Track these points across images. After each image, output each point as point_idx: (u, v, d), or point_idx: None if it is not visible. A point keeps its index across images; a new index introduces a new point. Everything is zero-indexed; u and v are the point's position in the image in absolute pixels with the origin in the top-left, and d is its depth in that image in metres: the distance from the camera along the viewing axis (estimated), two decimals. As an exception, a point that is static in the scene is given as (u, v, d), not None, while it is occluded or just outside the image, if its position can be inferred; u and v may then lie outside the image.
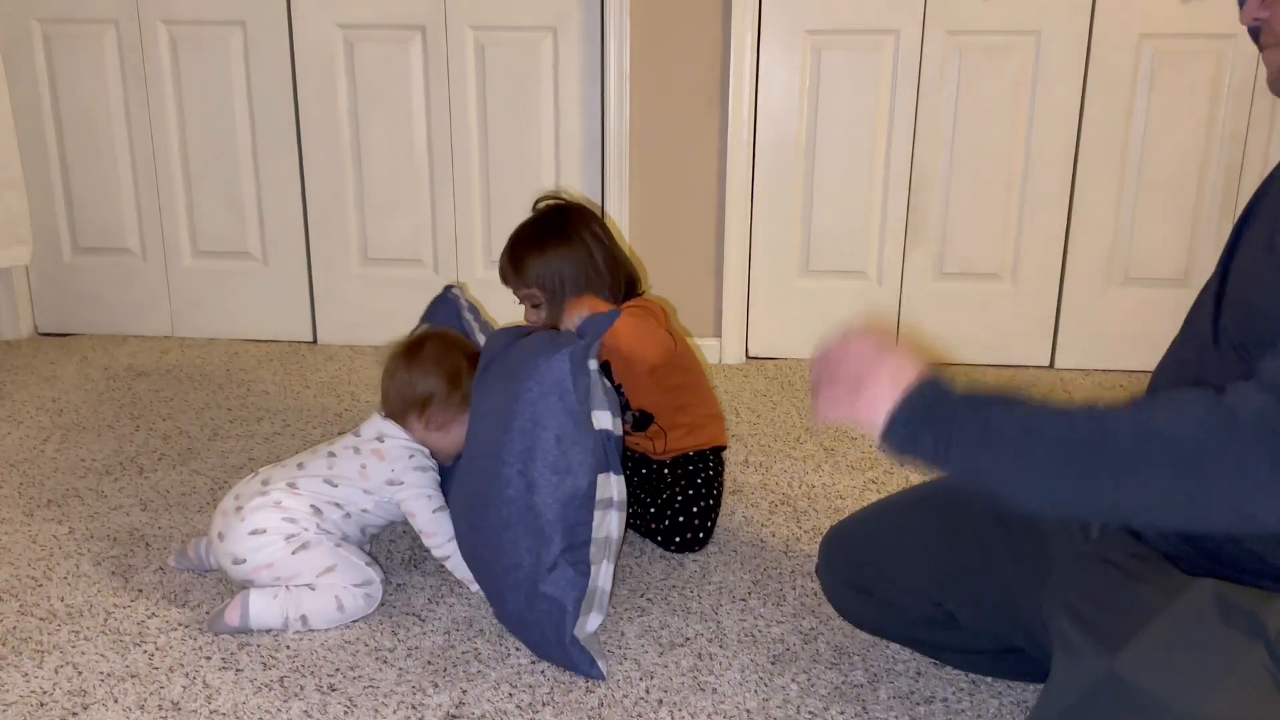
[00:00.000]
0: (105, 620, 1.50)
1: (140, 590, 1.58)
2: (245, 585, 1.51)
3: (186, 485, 1.96)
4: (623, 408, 1.81)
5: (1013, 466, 0.94)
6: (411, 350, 1.62)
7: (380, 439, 1.58)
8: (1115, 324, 2.72)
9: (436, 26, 2.66)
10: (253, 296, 2.90)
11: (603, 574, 1.41)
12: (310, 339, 2.92)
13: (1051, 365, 2.77)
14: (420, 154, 2.76)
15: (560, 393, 1.38)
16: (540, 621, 1.38)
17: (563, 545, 1.38)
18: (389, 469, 1.55)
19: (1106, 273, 2.70)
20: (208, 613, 1.52)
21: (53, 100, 2.80)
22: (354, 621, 1.50)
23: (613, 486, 1.42)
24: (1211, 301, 1.08)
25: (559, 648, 1.38)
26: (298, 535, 1.48)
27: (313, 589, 1.47)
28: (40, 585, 1.59)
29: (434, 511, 1.56)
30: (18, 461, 2.06)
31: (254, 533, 1.47)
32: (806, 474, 2.07)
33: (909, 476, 2.04)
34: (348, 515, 1.54)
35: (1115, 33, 2.52)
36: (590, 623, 1.40)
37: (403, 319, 2.86)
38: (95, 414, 2.33)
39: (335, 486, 1.53)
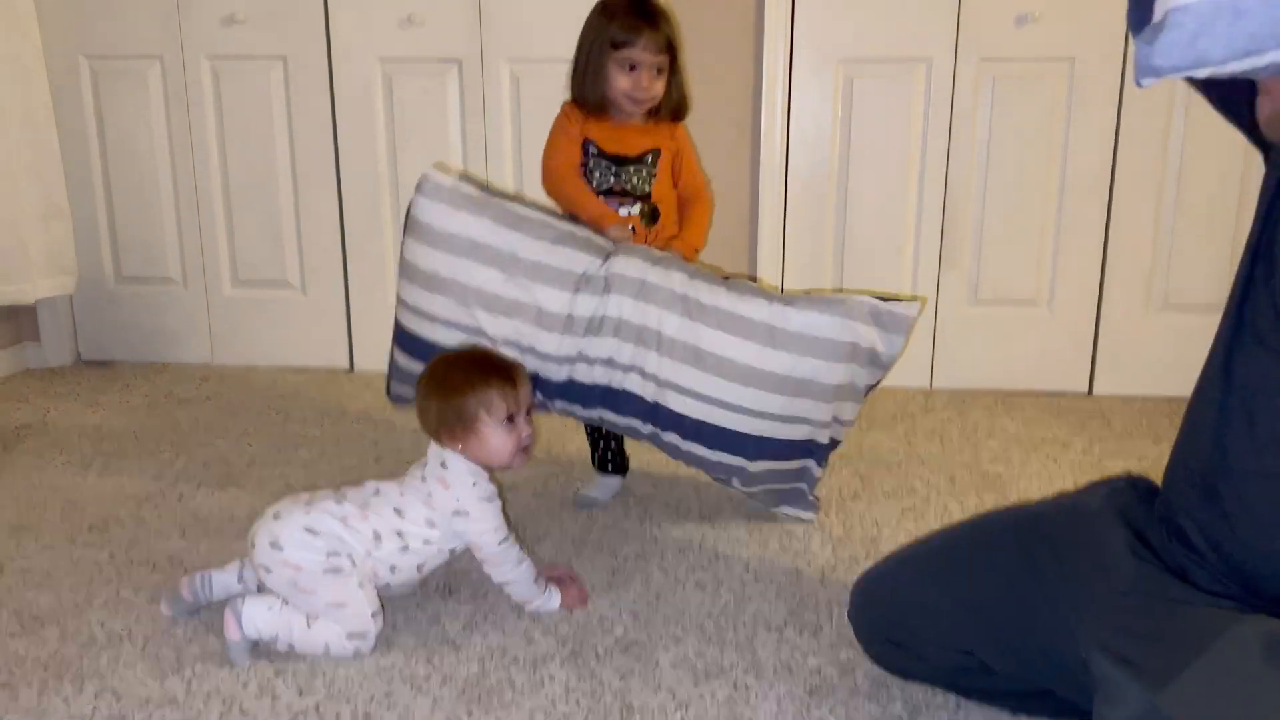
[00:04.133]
0: (144, 647, 1.51)
1: (179, 617, 1.59)
2: (246, 583, 1.59)
3: (226, 512, 1.98)
4: (641, 198, 1.95)
5: None
6: (421, 379, 1.63)
7: (443, 465, 1.57)
8: (1155, 350, 2.69)
9: (473, 60, 2.70)
10: (291, 325, 2.94)
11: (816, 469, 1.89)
12: (347, 367, 2.95)
13: (1090, 392, 2.73)
14: (456, 184, 2.79)
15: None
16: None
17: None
18: (454, 497, 1.55)
19: (1145, 298, 2.67)
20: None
21: (99, 133, 2.87)
22: (390, 648, 1.50)
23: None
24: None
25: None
26: (340, 559, 1.48)
27: (308, 626, 1.47)
28: (81, 611, 1.61)
29: (500, 543, 1.56)
30: (60, 487, 2.10)
31: (308, 530, 1.48)
32: (843, 502, 2.05)
33: (946, 505, 2.02)
34: (405, 548, 1.53)
35: (1151, 58, 2.51)
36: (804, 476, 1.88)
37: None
38: (136, 441, 2.37)
39: (402, 516, 1.54)
